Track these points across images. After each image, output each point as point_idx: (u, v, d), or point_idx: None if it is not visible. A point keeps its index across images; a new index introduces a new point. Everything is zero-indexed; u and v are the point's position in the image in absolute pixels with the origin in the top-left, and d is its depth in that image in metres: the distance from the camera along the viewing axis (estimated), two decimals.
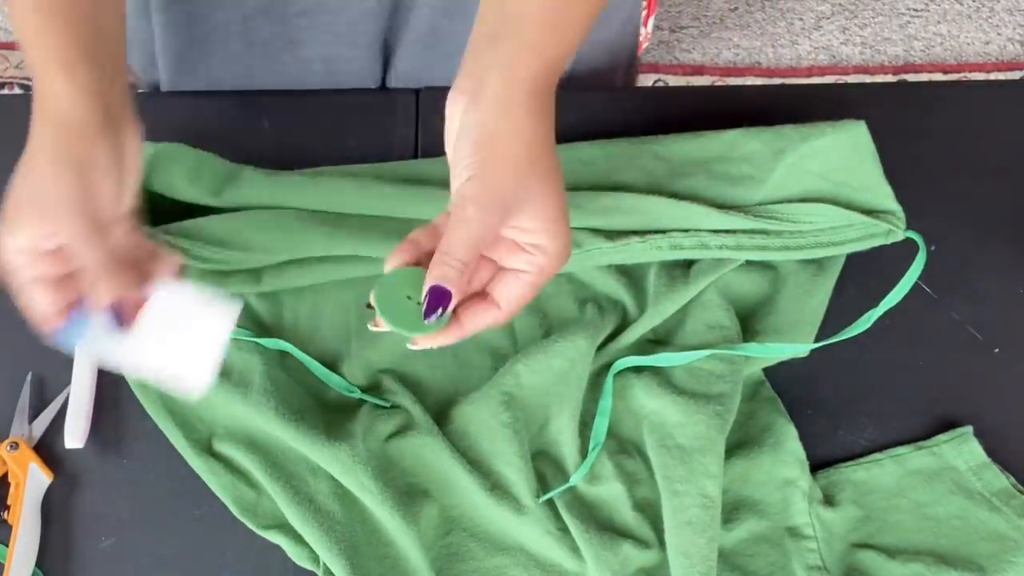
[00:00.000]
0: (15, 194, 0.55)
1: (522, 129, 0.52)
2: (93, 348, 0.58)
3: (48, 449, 0.66)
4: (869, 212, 0.68)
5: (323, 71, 0.81)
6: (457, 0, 0.78)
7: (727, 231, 0.68)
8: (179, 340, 0.58)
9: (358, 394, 0.68)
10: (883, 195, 0.69)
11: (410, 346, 0.55)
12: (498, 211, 0.52)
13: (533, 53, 0.53)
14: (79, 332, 0.56)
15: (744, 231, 0.68)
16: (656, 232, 0.68)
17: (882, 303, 0.66)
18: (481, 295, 0.55)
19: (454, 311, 0.54)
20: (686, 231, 0.67)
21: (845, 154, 0.69)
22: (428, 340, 0.54)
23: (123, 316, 0.55)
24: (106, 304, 0.54)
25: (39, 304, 0.55)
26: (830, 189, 0.68)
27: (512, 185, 0.52)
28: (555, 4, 0.54)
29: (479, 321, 0.54)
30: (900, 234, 0.68)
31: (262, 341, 0.68)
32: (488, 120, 0.53)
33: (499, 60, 0.53)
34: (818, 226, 0.68)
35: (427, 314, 0.52)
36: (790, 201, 0.68)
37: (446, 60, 0.82)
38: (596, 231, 0.68)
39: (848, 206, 0.68)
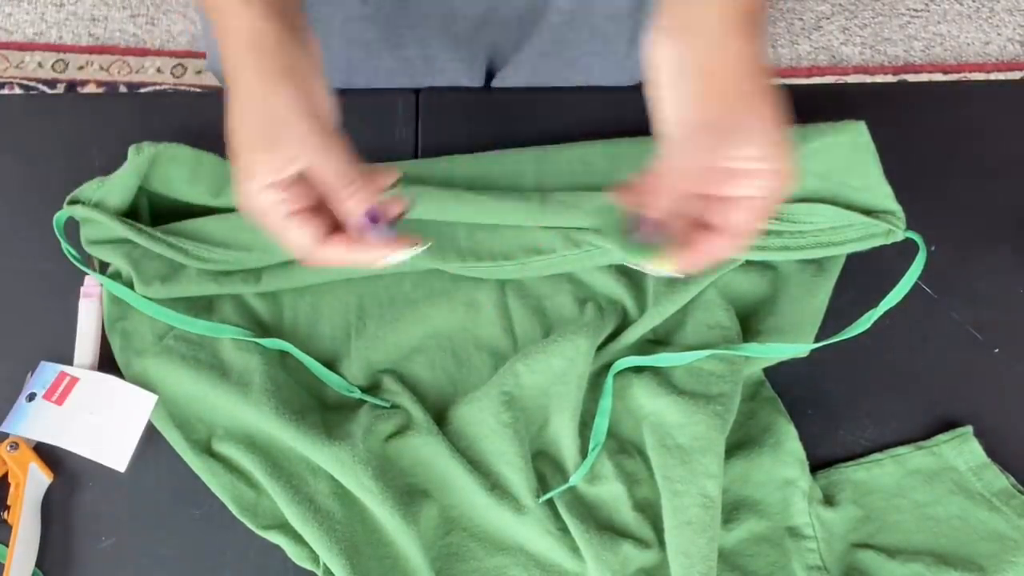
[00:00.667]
0: (238, 136, 0.54)
1: (739, 56, 0.52)
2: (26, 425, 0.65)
3: (48, 449, 0.66)
4: (869, 212, 0.68)
5: (423, 70, 0.81)
6: (585, 9, 0.79)
7: None
8: (101, 423, 0.65)
9: (357, 394, 0.68)
10: (883, 195, 0.69)
11: (647, 269, 0.56)
12: (717, 140, 0.51)
13: None
14: (376, 236, 0.56)
15: None
16: None
17: (882, 303, 0.66)
18: (708, 226, 0.54)
19: (681, 244, 0.54)
20: None
21: (845, 154, 0.69)
22: (659, 266, 0.55)
23: (384, 216, 0.55)
24: (366, 210, 0.54)
25: (302, 239, 0.55)
26: (830, 189, 0.68)
27: (731, 113, 0.51)
28: None
29: (709, 249, 0.54)
30: (900, 234, 0.68)
31: (262, 341, 0.68)
32: (703, 50, 0.52)
33: None
34: (818, 226, 0.68)
35: (641, 238, 0.53)
36: (790, 201, 0.68)
37: (564, 67, 0.83)
38: (595, 232, 0.68)
39: (848, 206, 0.68)
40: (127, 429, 0.65)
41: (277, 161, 0.53)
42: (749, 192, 0.53)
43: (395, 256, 0.56)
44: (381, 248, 0.55)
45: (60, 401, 0.66)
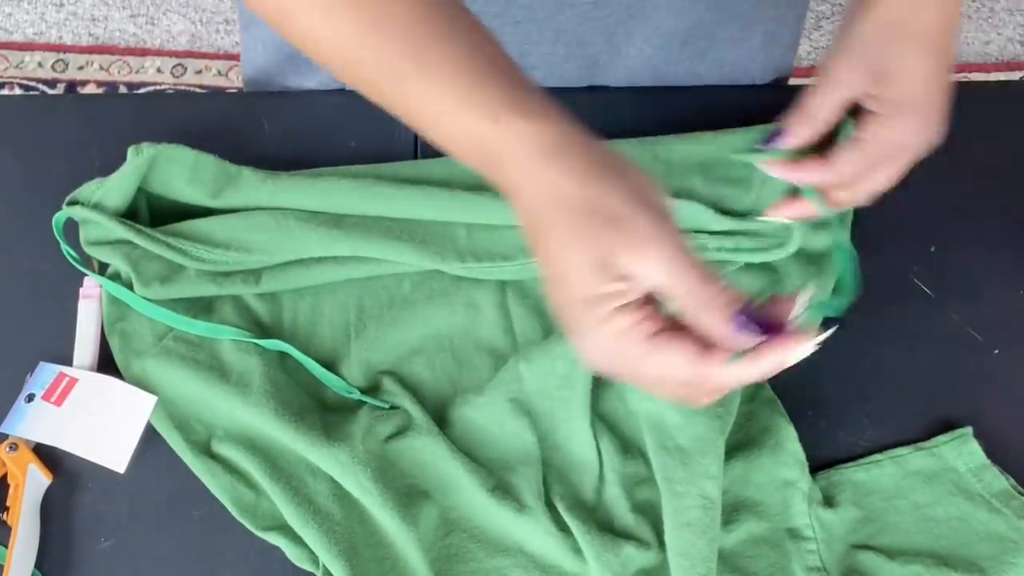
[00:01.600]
0: (563, 266, 0.44)
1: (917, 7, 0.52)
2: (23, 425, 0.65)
3: (48, 450, 0.66)
4: None
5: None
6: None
7: (726, 233, 0.68)
8: (100, 424, 0.65)
9: (356, 395, 0.68)
10: None
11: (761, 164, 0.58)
12: (848, 70, 0.52)
13: None
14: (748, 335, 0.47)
15: (742, 233, 0.68)
16: None
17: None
18: (819, 156, 0.55)
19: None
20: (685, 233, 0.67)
21: None
22: (773, 165, 0.57)
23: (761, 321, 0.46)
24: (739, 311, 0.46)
25: (679, 358, 0.45)
26: None
27: (865, 46, 0.52)
28: None
29: (810, 171, 0.56)
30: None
31: (261, 342, 0.68)
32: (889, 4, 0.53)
33: None
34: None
35: (763, 143, 0.55)
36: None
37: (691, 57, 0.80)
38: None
39: None
40: (126, 430, 0.65)
41: (627, 278, 0.43)
42: (864, 136, 0.53)
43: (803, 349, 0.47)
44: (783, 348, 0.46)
45: (59, 402, 0.66)
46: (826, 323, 0.69)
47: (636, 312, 0.44)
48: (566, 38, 0.76)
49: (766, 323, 0.45)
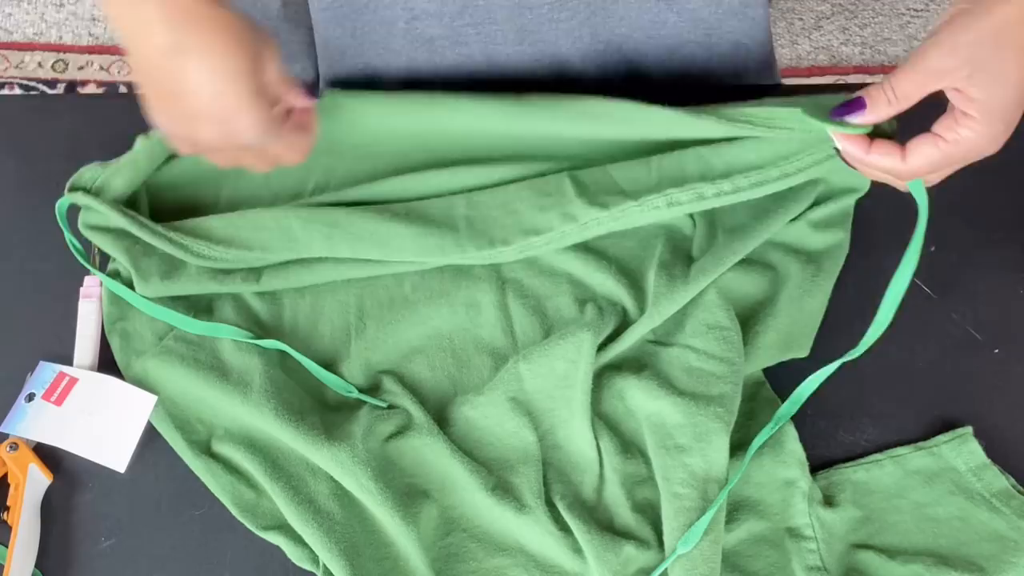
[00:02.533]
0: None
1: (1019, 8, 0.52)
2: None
3: (48, 450, 0.66)
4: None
5: (485, 64, 0.79)
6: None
7: (721, 176, 0.67)
8: (100, 424, 0.65)
9: (355, 394, 0.68)
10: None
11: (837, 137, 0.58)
12: (952, 63, 0.53)
13: None
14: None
15: (739, 172, 0.67)
16: (650, 193, 0.68)
17: (911, 246, 0.64)
18: (897, 144, 0.56)
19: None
20: (680, 186, 0.67)
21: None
22: (847, 141, 0.57)
23: None
24: None
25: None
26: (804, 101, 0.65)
27: (975, 44, 0.52)
28: None
29: (882, 155, 0.56)
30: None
31: (260, 342, 0.68)
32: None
33: None
34: (795, 135, 0.65)
35: (837, 112, 0.56)
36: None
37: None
38: (590, 204, 0.68)
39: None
40: (126, 430, 0.65)
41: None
42: (939, 130, 0.54)
43: None
44: None
45: (59, 402, 0.66)
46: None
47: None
48: (531, 38, 0.77)
49: None
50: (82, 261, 0.70)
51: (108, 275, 0.70)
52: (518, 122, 0.70)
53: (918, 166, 0.55)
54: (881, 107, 0.56)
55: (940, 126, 0.54)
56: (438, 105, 0.70)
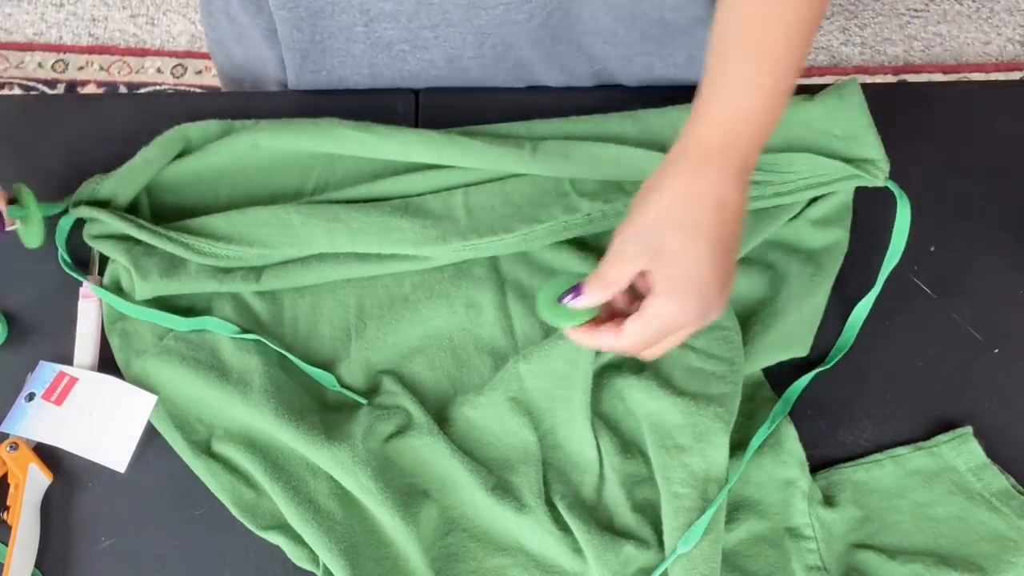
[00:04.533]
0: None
1: (670, 184, 0.57)
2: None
3: (48, 450, 0.66)
4: (851, 160, 0.70)
5: (446, 69, 0.80)
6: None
7: None
8: (100, 423, 0.65)
9: (337, 387, 0.68)
10: (867, 143, 0.71)
11: (565, 330, 0.60)
12: (635, 248, 0.56)
13: (734, 104, 0.57)
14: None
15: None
16: None
17: (886, 259, 0.70)
18: (615, 320, 0.59)
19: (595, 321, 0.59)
20: None
21: (831, 104, 0.71)
22: (572, 332, 0.60)
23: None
24: None
25: None
26: (814, 138, 0.70)
27: (651, 227, 0.56)
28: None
29: (600, 335, 0.59)
30: (880, 181, 0.70)
31: (240, 336, 0.68)
32: (655, 172, 0.58)
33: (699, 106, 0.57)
34: (802, 175, 0.70)
35: (561, 298, 0.59)
36: (771, 151, 0.70)
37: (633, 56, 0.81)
38: (592, 200, 0.70)
39: (832, 154, 0.70)
40: (127, 429, 0.65)
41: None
42: (644, 303, 0.57)
43: None
44: None
45: (59, 401, 0.66)
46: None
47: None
48: (491, 40, 0.77)
49: None
50: (76, 276, 0.70)
51: (109, 277, 0.70)
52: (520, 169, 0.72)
53: (631, 342, 0.58)
54: (597, 292, 0.58)
55: (645, 303, 0.57)
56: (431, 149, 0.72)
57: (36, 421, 0.66)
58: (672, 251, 0.55)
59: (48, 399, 0.66)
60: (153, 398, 0.66)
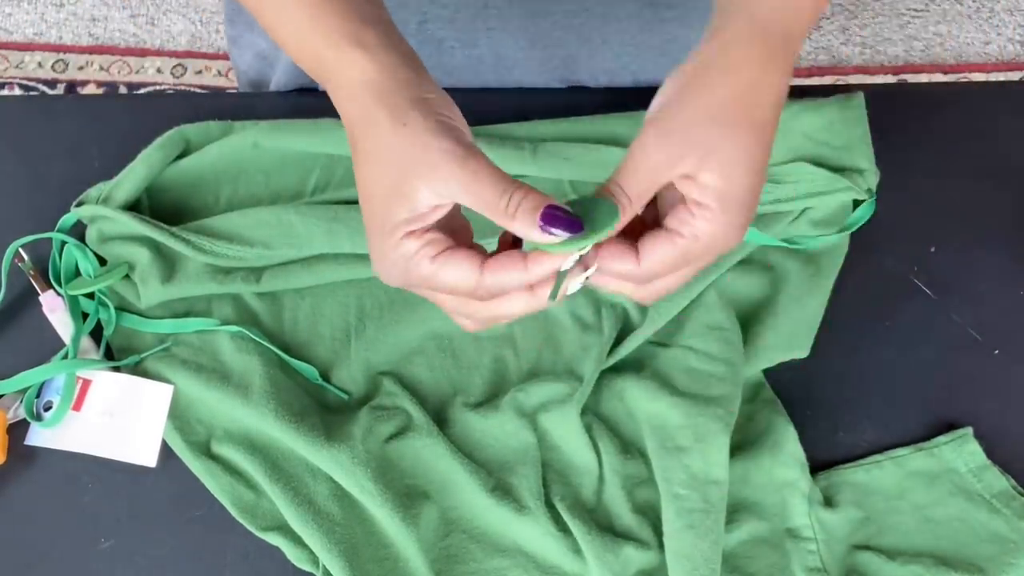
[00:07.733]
0: (369, 191, 0.48)
1: (737, 68, 0.46)
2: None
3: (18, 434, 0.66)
4: (842, 169, 0.70)
5: (493, 66, 0.78)
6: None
7: None
8: (122, 423, 0.65)
9: (319, 380, 0.68)
10: (859, 153, 0.71)
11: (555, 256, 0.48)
12: (678, 148, 0.45)
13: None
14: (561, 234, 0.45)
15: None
16: None
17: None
18: (627, 243, 0.48)
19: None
20: None
21: (832, 115, 0.71)
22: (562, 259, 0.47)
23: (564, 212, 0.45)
24: (542, 214, 0.45)
25: (460, 273, 0.47)
26: (811, 149, 0.70)
27: (699, 125, 0.45)
28: None
29: (613, 258, 0.47)
30: (861, 193, 0.70)
31: (223, 329, 0.68)
32: (704, 52, 0.47)
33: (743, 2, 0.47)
34: (798, 187, 0.70)
35: (549, 222, 0.45)
36: (776, 163, 0.70)
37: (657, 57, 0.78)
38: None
39: (826, 164, 0.70)
40: (149, 423, 0.65)
41: (421, 208, 0.46)
42: (673, 225, 0.47)
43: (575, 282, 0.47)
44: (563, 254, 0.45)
45: (77, 406, 0.66)
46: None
47: (422, 236, 0.47)
48: (543, 42, 0.76)
49: (578, 223, 0.45)
50: (38, 292, 0.69)
51: (105, 289, 0.70)
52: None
53: (654, 268, 0.47)
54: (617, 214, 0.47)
55: (674, 219, 0.46)
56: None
57: (60, 430, 0.66)
58: (730, 154, 0.45)
59: (66, 406, 0.66)
60: (169, 388, 0.66)
